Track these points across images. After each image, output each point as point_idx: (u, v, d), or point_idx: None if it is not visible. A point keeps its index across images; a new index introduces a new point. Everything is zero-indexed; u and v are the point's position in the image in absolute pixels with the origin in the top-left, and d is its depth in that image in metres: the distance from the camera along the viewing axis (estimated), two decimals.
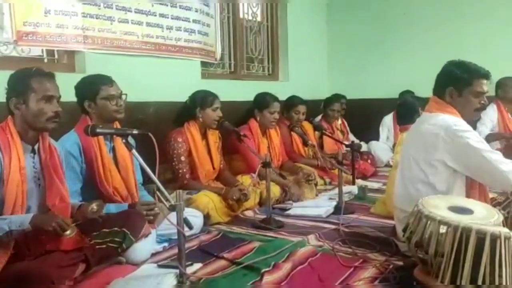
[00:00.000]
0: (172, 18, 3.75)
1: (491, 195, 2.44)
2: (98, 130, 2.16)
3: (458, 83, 2.23)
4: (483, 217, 1.81)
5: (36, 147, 2.07)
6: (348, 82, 5.86)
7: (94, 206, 2.12)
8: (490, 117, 4.62)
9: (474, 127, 4.50)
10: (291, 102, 4.32)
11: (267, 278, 2.02)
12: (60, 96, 2.08)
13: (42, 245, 1.86)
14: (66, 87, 2.26)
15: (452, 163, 2.14)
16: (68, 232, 1.89)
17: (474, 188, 2.16)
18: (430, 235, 1.80)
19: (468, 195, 2.16)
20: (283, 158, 4.04)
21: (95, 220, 2.12)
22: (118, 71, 2.81)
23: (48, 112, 1.99)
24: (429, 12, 5.33)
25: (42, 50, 3.11)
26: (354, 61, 5.87)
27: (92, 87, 2.51)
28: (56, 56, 3.19)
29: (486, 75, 2.23)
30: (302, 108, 4.29)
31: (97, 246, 2.06)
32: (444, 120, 2.18)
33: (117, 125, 2.61)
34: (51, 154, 2.09)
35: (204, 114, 3.22)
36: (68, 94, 2.35)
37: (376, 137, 5.39)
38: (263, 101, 3.82)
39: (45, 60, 3.16)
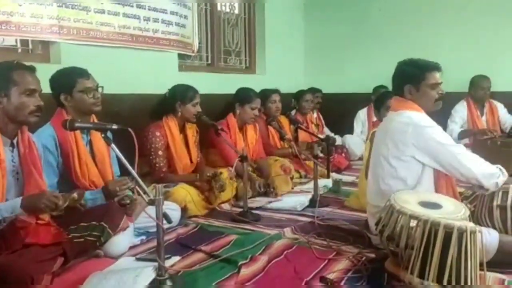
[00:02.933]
0: (149, 9, 3.71)
1: (459, 190, 2.56)
2: (77, 125, 2.14)
3: (413, 79, 2.33)
4: (451, 211, 1.90)
5: (15, 141, 2.05)
6: (324, 76, 5.92)
7: (75, 194, 2.11)
8: (460, 114, 4.79)
9: (445, 124, 4.71)
10: (264, 95, 4.35)
11: (244, 271, 2.06)
12: (41, 90, 2.07)
13: (20, 239, 1.85)
14: (41, 78, 2.22)
15: (421, 158, 2.24)
16: (60, 203, 1.87)
17: (441, 180, 2.26)
18: (401, 228, 1.89)
19: (436, 187, 2.26)
20: (260, 154, 4.07)
21: (75, 212, 2.11)
22: (94, 63, 2.78)
23: (31, 105, 1.99)
24: (404, 8, 5.42)
25: (16, 40, 3.03)
26: (330, 55, 5.93)
27: (68, 80, 2.48)
28: (30, 47, 3.12)
29: (436, 67, 2.34)
30: (276, 97, 4.35)
31: (75, 240, 2.06)
32: (410, 117, 2.27)
33: (93, 118, 2.59)
34: (30, 148, 2.08)
35: (184, 109, 3.22)
36: (43, 86, 2.30)
37: (351, 131, 5.49)
38: (245, 96, 3.84)
39: (19, 50, 3.09)
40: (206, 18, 4.67)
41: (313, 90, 5.43)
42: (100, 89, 2.55)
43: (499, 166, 2.25)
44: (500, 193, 2.19)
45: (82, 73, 2.51)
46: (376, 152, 2.44)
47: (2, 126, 1.99)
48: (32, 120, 2.02)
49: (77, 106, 2.48)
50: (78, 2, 3.16)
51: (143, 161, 3.07)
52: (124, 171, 2.54)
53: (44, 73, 2.52)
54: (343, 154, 4.93)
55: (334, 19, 5.85)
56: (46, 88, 2.47)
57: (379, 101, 3.83)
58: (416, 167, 2.26)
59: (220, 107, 4.04)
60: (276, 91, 4.40)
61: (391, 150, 2.30)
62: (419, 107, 2.32)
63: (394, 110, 2.39)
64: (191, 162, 3.32)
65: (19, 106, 1.97)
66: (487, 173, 2.19)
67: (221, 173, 3.13)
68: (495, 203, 2.18)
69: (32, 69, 2.05)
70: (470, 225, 1.76)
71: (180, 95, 3.23)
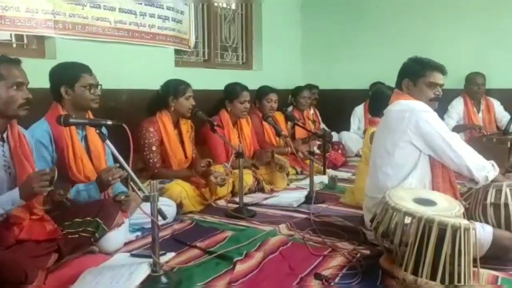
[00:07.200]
0: (145, 4, 3.69)
1: None
2: (71, 120, 2.14)
3: (412, 74, 2.37)
4: (445, 208, 1.90)
5: (4, 135, 2.04)
6: (321, 72, 5.92)
7: (61, 191, 2.12)
8: (457, 109, 4.81)
9: (442, 119, 4.71)
10: (262, 92, 4.36)
11: (239, 267, 2.06)
12: (28, 83, 2.05)
13: (13, 235, 1.84)
14: (36, 73, 2.22)
15: (417, 142, 2.25)
16: (51, 175, 1.87)
17: (437, 169, 2.27)
18: (396, 225, 1.89)
19: (432, 176, 2.27)
20: (255, 148, 4.08)
21: (67, 207, 2.11)
22: (89, 58, 2.76)
23: (19, 99, 1.97)
24: (401, 5, 5.42)
25: (11, 34, 3.02)
26: (327, 51, 5.93)
27: (72, 73, 2.49)
28: (25, 41, 3.10)
29: (439, 68, 2.36)
30: (273, 96, 4.34)
31: (70, 236, 2.06)
32: (407, 104, 2.30)
33: (89, 114, 2.58)
34: (20, 141, 2.07)
35: (177, 103, 3.22)
36: (37, 80, 2.30)
37: (347, 127, 5.50)
38: (232, 91, 3.85)
39: (14, 45, 3.07)
40: (203, 14, 4.65)
41: (310, 87, 5.44)
42: (99, 87, 2.56)
43: (492, 161, 2.26)
44: (494, 191, 2.20)
45: (86, 69, 2.53)
46: (377, 145, 2.47)
47: None
48: (22, 114, 2.00)
49: (76, 100, 2.48)
50: None
51: (137, 157, 3.06)
52: (119, 167, 2.54)
53: (39, 68, 2.52)
54: (339, 151, 4.94)
55: (331, 15, 5.84)
56: (41, 83, 2.47)
57: (372, 97, 3.82)
58: (413, 154, 2.27)
59: (217, 103, 4.03)
60: (274, 90, 4.39)
61: (389, 138, 2.32)
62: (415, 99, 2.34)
63: (392, 102, 2.42)
64: (186, 157, 3.32)
65: (7, 100, 1.95)
66: (478, 164, 2.21)
67: (223, 184, 3.13)
68: (488, 201, 2.19)
69: (17, 62, 2.02)
70: (464, 222, 1.76)
71: (172, 89, 3.23)
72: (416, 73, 2.36)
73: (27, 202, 1.89)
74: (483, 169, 2.21)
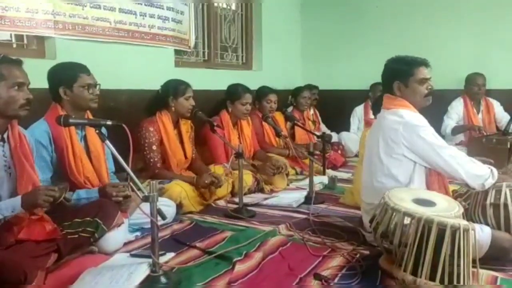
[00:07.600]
0: (145, 5, 3.69)
1: (453, 187, 2.56)
2: (71, 121, 2.14)
3: (401, 75, 2.34)
4: (445, 209, 1.90)
5: (5, 135, 2.04)
6: (321, 73, 5.92)
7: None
8: (457, 110, 4.81)
9: (441, 120, 4.73)
10: (262, 92, 4.37)
11: (238, 267, 2.06)
12: (29, 83, 2.05)
13: (13, 235, 1.84)
14: (35, 73, 2.22)
15: (411, 156, 2.25)
16: (57, 195, 1.89)
17: (433, 177, 2.27)
18: (395, 226, 1.89)
19: (427, 185, 2.27)
20: (255, 149, 4.08)
21: (66, 208, 2.11)
22: (89, 58, 2.77)
23: (20, 99, 1.97)
24: (401, 5, 5.42)
25: (11, 34, 3.02)
26: (327, 51, 5.93)
27: (70, 74, 2.49)
28: (25, 41, 3.10)
29: (424, 63, 2.35)
30: (273, 97, 4.35)
31: (69, 236, 2.06)
32: (402, 116, 2.27)
33: (88, 114, 2.59)
34: (21, 142, 2.07)
35: (177, 104, 3.22)
36: (37, 81, 2.30)
37: (347, 128, 5.50)
38: (235, 92, 3.85)
39: (14, 45, 3.07)
40: (203, 14, 4.66)
41: (310, 87, 5.44)
42: (98, 87, 2.56)
43: (491, 167, 2.25)
44: (494, 192, 2.20)
45: (84, 69, 2.53)
46: (370, 149, 2.45)
47: None
48: (22, 114, 2.01)
49: (75, 101, 2.48)
50: None
51: (137, 157, 3.06)
52: (118, 167, 2.55)
53: (39, 69, 2.52)
54: (339, 151, 4.94)
55: (331, 16, 5.84)
56: (41, 83, 2.47)
57: (378, 98, 3.81)
58: (407, 164, 2.27)
59: (217, 104, 4.03)
60: (274, 90, 4.39)
61: (382, 147, 2.31)
62: (410, 105, 2.32)
63: (386, 108, 2.39)
64: (186, 157, 3.32)
65: (8, 100, 1.95)
66: (473, 174, 2.19)
67: (219, 185, 3.13)
68: (488, 201, 2.19)
69: (18, 63, 2.03)
70: (464, 222, 1.77)
71: (172, 89, 3.23)
72: (404, 73, 2.33)
73: (26, 211, 1.89)
74: (479, 178, 2.20)
